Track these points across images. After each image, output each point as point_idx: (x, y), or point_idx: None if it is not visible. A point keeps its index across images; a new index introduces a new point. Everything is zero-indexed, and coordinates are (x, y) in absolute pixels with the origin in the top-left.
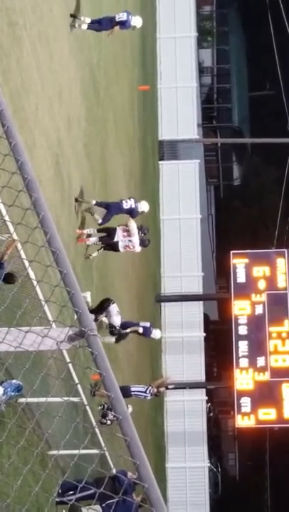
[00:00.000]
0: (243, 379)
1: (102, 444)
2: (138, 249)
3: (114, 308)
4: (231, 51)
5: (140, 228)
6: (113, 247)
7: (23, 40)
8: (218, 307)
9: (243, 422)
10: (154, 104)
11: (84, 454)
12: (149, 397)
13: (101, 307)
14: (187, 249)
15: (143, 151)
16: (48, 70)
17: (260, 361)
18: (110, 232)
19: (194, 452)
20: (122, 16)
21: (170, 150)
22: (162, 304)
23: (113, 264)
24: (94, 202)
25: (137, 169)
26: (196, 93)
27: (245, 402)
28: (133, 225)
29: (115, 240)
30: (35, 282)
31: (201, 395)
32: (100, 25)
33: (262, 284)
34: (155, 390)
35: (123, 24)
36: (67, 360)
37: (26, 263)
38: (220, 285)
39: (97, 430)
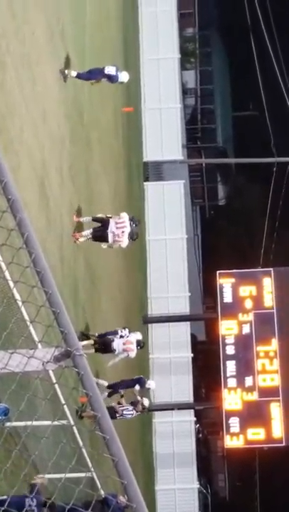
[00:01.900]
0: (232, 399)
1: (90, 465)
2: (125, 242)
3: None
4: (214, 72)
5: (132, 219)
6: (102, 236)
7: (5, 63)
8: (206, 327)
9: (232, 442)
10: (139, 125)
11: (71, 477)
12: (134, 414)
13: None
14: (174, 269)
15: (128, 172)
16: (31, 93)
17: (248, 381)
18: (104, 223)
19: (183, 474)
20: (111, 70)
21: (155, 171)
22: (150, 325)
23: (100, 285)
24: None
25: (123, 190)
26: (180, 114)
27: (234, 423)
28: (125, 215)
29: (108, 230)
30: (20, 303)
31: (189, 415)
32: (90, 74)
33: (249, 304)
34: (140, 406)
35: (111, 78)
36: (54, 380)
37: (11, 284)
38: (207, 305)
39: (84, 451)
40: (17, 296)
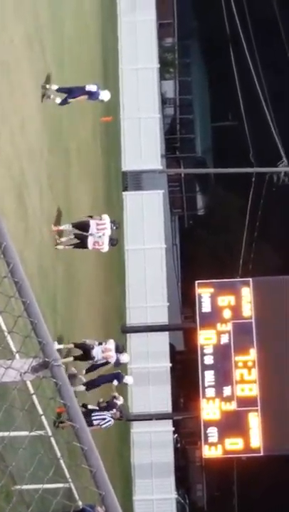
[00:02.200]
0: (210, 409)
1: (68, 476)
2: (106, 248)
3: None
4: (193, 82)
5: (112, 222)
6: (83, 242)
7: None
8: (184, 337)
9: (210, 452)
10: (117, 135)
11: (49, 488)
12: (111, 422)
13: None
14: (152, 279)
15: (107, 182)
16: (8, 101)
17: (227, 391)
18: (85, 225)
19: (161, 484)
20: (92, 88)
21: (134, 180)
22: (128, 334)
23: (78, 295)
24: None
25: (101, 199)
26: (159, 124)
27: (212, 432)
28: (106, 218)
29: (89, 232)
30: None
31: (168, 425)
32: (71, 92)
33: (227, 314)
34: (118, 414)
35: (92, 95)
36: (31, 391)
37: None
38: (185, 315)
39: (62, 462)
40: None
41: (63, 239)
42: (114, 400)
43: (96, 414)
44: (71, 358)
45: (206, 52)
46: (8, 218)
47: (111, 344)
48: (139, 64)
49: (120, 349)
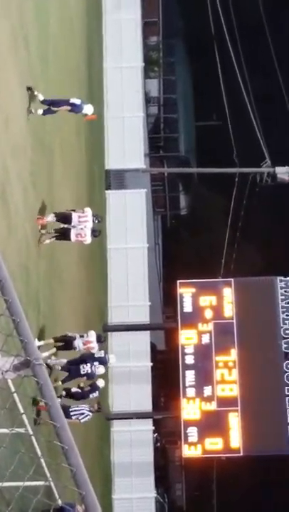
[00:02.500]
0: (190, 409)
1: (48, 475)
2: (88, 240)
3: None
4: (178, 81)
5: (95, 216)
6: (65, 234)
7: None
8: (165, 336)
9: (190, 451)
10: (101, 133)
11: (29, 486)
12: (89, 416)
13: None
14: (134, 278)
15: (90, 180)
16: None
17: (207, 391)
18: (67, 217)
19: (141, 483)
20: (75, 101)
21: (117, 179)
22: (109, 333)
23: (60, 293)
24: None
25: (84, 197)
26: (143, 123)
27: (192, 432)
28: (88, 210)
29: (72, 224)
30: None
31: (148, 425)
32: (56, 104)
33: (209, 314)
34: (96, 406)
35: (75, 107)
36: (12, 389)
37: None
38: (167, 314)
39: (42, 461)
40: None
41: (44, 231)
42: (97, 383)
43: (74, 409)
44: (54, 349)
45: (191, 52)
46: None
47: (92, 336)
48: (124, 62)
49: (101, 339)
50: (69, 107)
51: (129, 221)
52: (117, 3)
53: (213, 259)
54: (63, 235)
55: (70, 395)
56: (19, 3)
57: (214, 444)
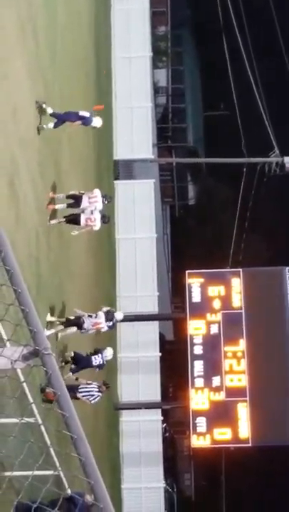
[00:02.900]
0: (199, 399)
1: (57, 465)
2: (98, 225)
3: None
4: (186, 71)
5: (104, 196)
6: (75, 219)
7: None
8: (174, 327)
9: (199, 441)
10: (109, 123)
11: (39, 475)
12: (99, 397)
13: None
14: (143, 268)
15: (98, 170)
16: (1, 90)
17: (216, 381)
18: (77, 199)
19: (150, 473)
20: (85, 114)
21: (125, 169)
22: (118, 324)
23: (69, 282)
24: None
25: (92, 187)
26: (151, 113)
27: (201, 422)
28: (98, 191)
29: (82, 206)
30: None
31: (156, 415)
32: (65, 115)
33: (217, 304)
34: (104, 387)
35: (85, 120)
36: (22, 379)
37: None
38: (175, 305)
39: (51, 450)
40: None
41: (57, 206)
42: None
43: (83, 388)
44: (61, 327)
45: (199, 42)
46: (0, 207)
47: (101, 317)
48: (132, 52)
49: (110, 316)
50: (80, 121)
51: (138, 211)
52: None
53: (222, 249)
54: (73, 219)
55: (75, 359)
56: None
57: (223, 434)
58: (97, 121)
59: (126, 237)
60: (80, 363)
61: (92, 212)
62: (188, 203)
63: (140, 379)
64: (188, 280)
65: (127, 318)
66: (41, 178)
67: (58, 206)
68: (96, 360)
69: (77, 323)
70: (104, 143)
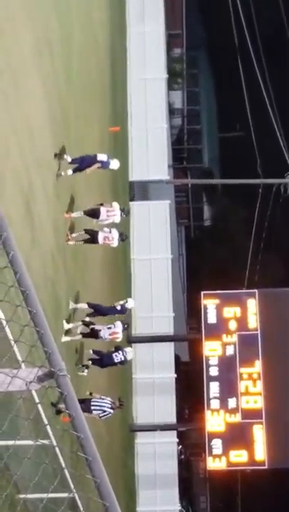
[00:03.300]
0: (214, 420)
1: (72, 487)
2: (116, 243)
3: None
4: (201, 93)
5: (122, 210)
6: (93, 238)
7: None
8: (189, 348)
9: (215, 464)
10: (125, 144)
11: (53, 497)
12: (110, 414)
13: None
14: (158, 289)
15: (114, 192)
16: (18, 113)
17: (232, 402)
18: (95, 212)
19: (165, 495)
20: (102, 158)
21: (141, 190)
22: (133, 344)
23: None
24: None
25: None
26: (167, 134)
27: (217, 444)
28: (116, 205)
29: (100, 218)
30: (4, 322)
31: (172, 437)
32: (83, 161)
33: (233, 325)
34: (117, 403)
35: (103, 163)
36: (37, 400)
37: None
38: (191, 326)
39: (66, 472)
40: (1, 315)
41: (74, 234)
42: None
43: (96, 402)
44: (80, 336)
45: (214, 63)
46: (16, 228)
47: (118, 327)
48: (148, 74)
49: (126, 325)
50: (99, 164)
51: (153, 232)
52: (141, 16)
53: (237, 270)
54: (91, 238)
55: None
56: (43, 16)
57: (239, 456)
58: (114, 164)
59: (141, 257)
60: (102, 361)
61: (110, 231)
62: (203, 224)
63: (155, 400)
64: (204, 301)
65: (143, 339)
66: (57, 199)
67: (74, 214)
68: (117, 357)
69: (94, 332)
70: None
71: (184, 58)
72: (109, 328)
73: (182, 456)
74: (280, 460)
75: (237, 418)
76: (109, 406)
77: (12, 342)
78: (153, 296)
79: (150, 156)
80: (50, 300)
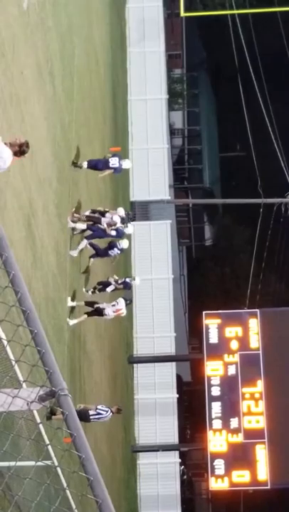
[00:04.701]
0: (217, 441)
1: (74, 507)
2: (124, 311)
3: None
4: (202, 113)
5: (127, 214)
6: (99, 312)
7: None
8: (191, 368)
9: (217, 484)
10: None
11: None
12: (108, 417)
13: None
14: (160, 309)
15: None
16: (19, 131)
17: (234, 422)
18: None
19: None
20: (114, 163)
21: (142, 211)
22: (135, 365)
23: (86, 324)
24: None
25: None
26: (168, 154)
27: (219, 465)
28: (121, 210)
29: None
30: (5, 342)
31: (174, 457)
32: (96, 167)
33: (234, 345)
34: (115, 408)
35: (116, 170)
36: (38, 420)
37: None
38: (192, 345)
39: (68, 492)
40: (2, 335)
41: (75, 320)
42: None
43: (94, 415)
44: (85, 316)
45: (215, 83)
46: (17, 248)
47: (121, 304)
48: (148, 95)
49: (129, 301)
50: (112, 170)
51: (154, 252)
52: (141, 37)
53: (239, 289)
54: (96, 311)
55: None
56: (44, 38)
57: (241, 476)
58: (126, 164)
59: (143, 278)
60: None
61: (117, 302)
62: (205, 244)
63: (157, 421)
64: (206, 321)
65: (144, 360)
66: (58, 218)
67: (78, 225)
68: (113, 253)
69: (98, 310)
70: (120, 184)
71: (185, 79)
72: (113, 305)
73: (184, 477)
74: (282, 480)
75: (239, 438)
76: (106, 410)
77: (13, 362)
78: (154, 316)
79: (151, 176)
80: (51, 319)
